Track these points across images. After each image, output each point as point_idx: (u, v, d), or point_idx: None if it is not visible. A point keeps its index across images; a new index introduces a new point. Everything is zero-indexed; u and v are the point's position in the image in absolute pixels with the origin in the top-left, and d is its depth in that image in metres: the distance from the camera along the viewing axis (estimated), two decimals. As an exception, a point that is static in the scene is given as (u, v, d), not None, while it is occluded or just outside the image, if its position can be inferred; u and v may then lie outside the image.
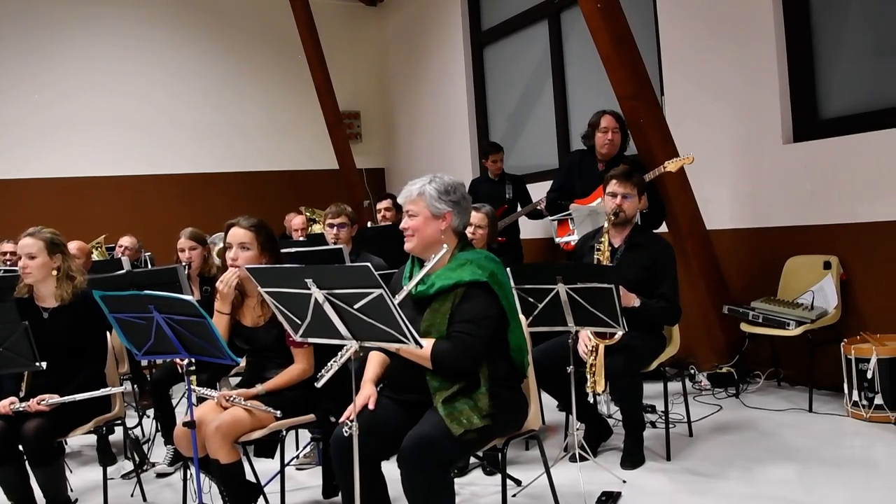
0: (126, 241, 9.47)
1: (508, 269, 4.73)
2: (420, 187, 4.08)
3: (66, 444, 5.48)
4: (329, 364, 3.78)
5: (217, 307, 4.80)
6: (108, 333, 5.32)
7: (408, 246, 4.11)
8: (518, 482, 5.30)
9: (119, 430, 5.59)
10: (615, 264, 5.65)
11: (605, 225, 5.74)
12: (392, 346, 3.77)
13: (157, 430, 6.49)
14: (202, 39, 13.39)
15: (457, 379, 3.90)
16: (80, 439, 5.92)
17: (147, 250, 9.76)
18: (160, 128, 12.93)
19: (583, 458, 5.38)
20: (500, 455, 4.22)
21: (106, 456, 5.54)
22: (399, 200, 4.13)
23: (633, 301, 5.41)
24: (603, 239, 5.72)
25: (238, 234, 4.76)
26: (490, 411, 3.85)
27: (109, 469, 5.41)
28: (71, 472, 6.01)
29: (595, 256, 5.69)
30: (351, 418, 3.64)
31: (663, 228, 7.46)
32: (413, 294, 3.99)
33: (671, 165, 6.70)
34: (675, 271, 5.73)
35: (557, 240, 7.66)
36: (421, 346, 3.48)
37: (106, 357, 5.33)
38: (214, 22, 13.49)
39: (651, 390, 6.36)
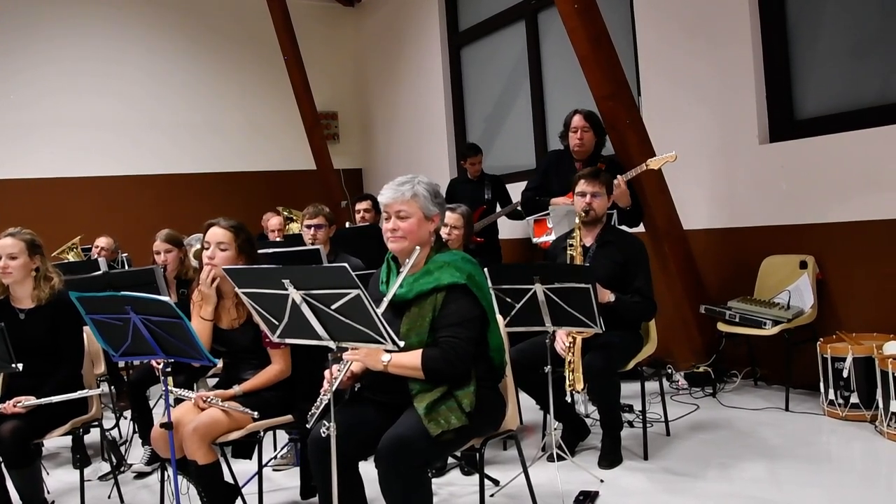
0: (102, 241, 9.42)
1: (486, 270, 4.74)
2: (412, 188, 4.02)
3: (43, 445, 5.44)
4: (319, 401, 3.79)
5: (201, 314, 4.79)
6: (84, 335, 5.30)
7: (396, 247, 4.04)
8: (496, 482, 5.30)
9: (96, 432, 5.57)
10: (588, 264, 5.66)
11: (577, 221, 5.76)
12: (379, 365, 3.80)
13: (134, 432, 6.46)
14: (179, 40, 13.33)
15: (445, 383, 3.90)
16: (56, 441, 5.88)
17: (124, 251, 9.71)
18: (137, 128, 12.86)
19: (560, 458, 5.39)
20: (477, 455, 4.22)
21: (82, 457, 5.52)
22: (385, 201, 4.04)
23: (608, 297, 5.44)
24: (575, 236, 5.74)
25: (217, 234, 4.76)
26: (472, 409, 3.86)
27: (86, 470, 5.39)
28: (48, 474, 5.98)
29: (569, 254, 5.71)
30: (329, 419, 3.63)
31: (640, 228, 7.47)
32: (392, 298, 3.98)
33: (654, 163, 6.65)
34: (648, 267, 5.77)
35: (535, 240, 7.65)
36: (399, 347, 3.49)
37: (83, 358, 5.31)
38: (191, 22, 13.43)
39: (628, 390, 6.38)
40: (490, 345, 4.10)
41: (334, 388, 3.70)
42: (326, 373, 3.87)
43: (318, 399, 3.80)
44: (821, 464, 5.40)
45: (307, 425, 3.80)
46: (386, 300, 3.82)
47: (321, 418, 3.74)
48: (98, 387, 5.62)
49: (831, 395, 6.28)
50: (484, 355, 4.09)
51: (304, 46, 12.74)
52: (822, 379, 6.37)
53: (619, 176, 6.45)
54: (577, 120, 7.17)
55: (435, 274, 3.96)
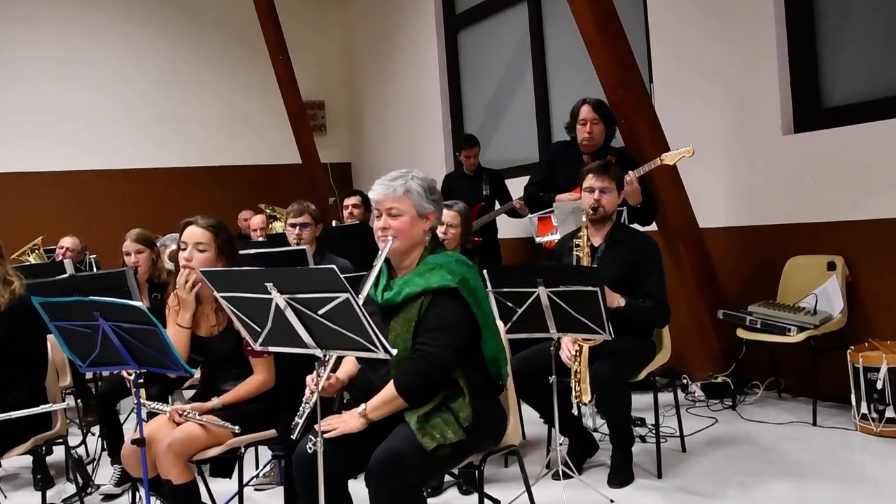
0: (67, 241, 9.41)
1: (485, 272, 4.74)
2: (405, 184, 4.04)
3: (0, 466, 5.43)
4: (301, 409, 3.79)
5: (178, 321, 4.79)
6: (48, 343, 5.29)
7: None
8: (497, 502, 5.29)
9: (60, 450, 5.56)
10: (596, 265, 5.66)
11: (584, 219, 5.76)
12: (359, 420, 3.85)
13: (102, 449, 6.45)
14: (154, 23, 13.34)
15: (430, 396, 3.91)
16: (15, 461, 5.87)
17: (92, 252, 9.71)
18: (108, 119, 12.89)
19: (567, 476, 5.40)
20: (477, 472, 4.23)
21: (44, 479, 5.50)
22: (375, 197, 4.07)
23: (618, 301, 5.44)
24: (581, 235, 5.74)
25: (195, 233, 4.75)
26: (470, 423, 3.86)
27: (49, 493, 5.39)
28: (5, 497, 5.97)
29: (575, 255, 5.71)
30: (316, 433, 3.63)
31: (652, 227, 7.46)
32: (380, 302, 4.01)
33: (669, 158, 6.62)
34: (661, 268, 5.78)
35: (538, 239, 7.65)
36: (392, 355, 3.49)
37: (46, 369, 5.30)
38: (168, 5, 13.43)
39: (640, 402, 6.39)
40: (485, 356, 4.11)
41: (316, 395, 3.69)
42: (308, 378, 3.88)
43: (301, 408, 3.80)
44: (853, 484, 5.39)
45: (292, 436, 3.80)
46: (362, 295, 3.82)
47: (306, 430, 3.75)
48: (63, 400, 5.62)
49: (864, 409, 6.26)
50: (479, 364, 4.10)
51: (288, 30, 12.72)
52: (853, 391, 6.36)
53: (630, 172, 6.42)
54: (585, 111, 7.15)
55: (426, 276, 3.98)
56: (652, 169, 6.72)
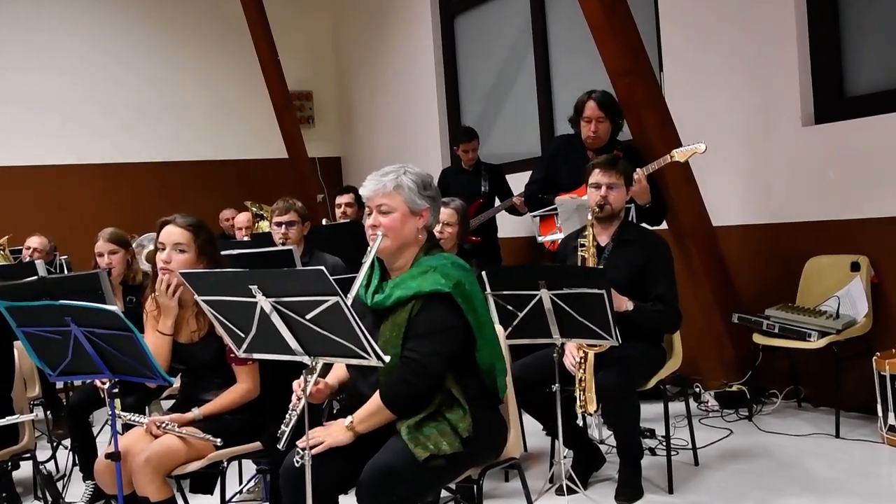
0: (34, 241, 9.38)
1: (484, 273, 4.74)
2: (395, 179, 4.04)
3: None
4: (288, 416, 3.79)
5: (159, 328, 4.77)
6: (14, 351, 5.28)
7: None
8: (497, 519, 5.32)
9: (28, 465, 5.54)
10: (603, 266, 5.66)
11: (589, 217, 5.75)
12: (346, 433, 3.85)
13: (74, 464, 6.45)
14: (133, 9, 13.30)
15: (419, 406, 3.92)
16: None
17: (63, 253, 9.68)
18: (81, 109, 12.85)
19: (571, 491, 5.40)
20: (475, 487, 4.22)
21: (10, 497, 5.49)
22: (366, 193, 4.08)
23: (626, 304, 5.43)
24: (587, 234, 5.74)
25: (173, 233, 4.74)
26: (469, 434, 3.87)
27: (16, 512, 5.37)
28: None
29: (580, 255, 5.71)
30: (304, 446, 3.63)
31: (663, 226, 7.44)
32: (370, 305, 4.02)
33: (679, 155, 6.60)
34: (672, 270, 5.77)
35: (540, 238, 7.63)
36: (384, 362, 3.49)
37: (13, 378, 5.29)
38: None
39: (650, 412, 6.39)
40: (479, 365, 4.11)
41: (303, 401, 3.69)
42: (295, 384, 3.88)
43: (287, 415, 3.80)
44: (880, 501, 5.40)
45: (278, 446, 3.80)
46: (352, 294, 3.82)
47: (293, 440, 3.75)
48: (31, 412, 5.60)
49: (891, 419, 6.25)
50: (474, 373, 4.11)
51: (273, 16, 12.69)
52: (879, 400, 6.35)
53: (638, 170, 6.40)
54: (590, 108, 7.08)
55: (418, 279, 3.98)
56: (662, 166, 6.71)
